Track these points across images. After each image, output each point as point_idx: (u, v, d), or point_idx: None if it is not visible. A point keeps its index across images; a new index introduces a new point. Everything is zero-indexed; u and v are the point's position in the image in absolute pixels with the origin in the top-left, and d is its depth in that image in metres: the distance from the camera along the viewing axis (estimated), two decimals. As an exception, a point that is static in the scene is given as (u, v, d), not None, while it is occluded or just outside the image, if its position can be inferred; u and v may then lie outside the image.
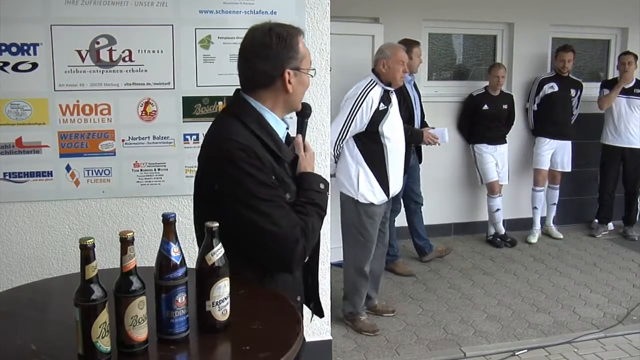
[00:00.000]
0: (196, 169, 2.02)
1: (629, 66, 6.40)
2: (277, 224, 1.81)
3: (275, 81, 1.91)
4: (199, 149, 2.03)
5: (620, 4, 6.79)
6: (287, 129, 2.04)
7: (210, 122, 3.09)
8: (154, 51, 3.12)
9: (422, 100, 5.49)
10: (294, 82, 1.93)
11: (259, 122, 1.91)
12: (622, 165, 6.66)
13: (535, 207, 6.62)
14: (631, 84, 6.49)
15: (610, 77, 7.09)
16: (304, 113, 2.09)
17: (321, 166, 3.41)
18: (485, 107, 6.20)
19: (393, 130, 4.05)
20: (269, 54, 1.89)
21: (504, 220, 6.43)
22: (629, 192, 6.75)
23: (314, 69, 2.02)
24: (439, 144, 5.26)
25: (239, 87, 1.99)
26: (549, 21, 6.73)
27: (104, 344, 1.47)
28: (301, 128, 2.10)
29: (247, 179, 1.80)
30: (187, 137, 3.21)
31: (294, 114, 2.09)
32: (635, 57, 6.45)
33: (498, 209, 6.30)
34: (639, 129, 6.55)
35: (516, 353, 4.05)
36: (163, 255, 1.59)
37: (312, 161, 2.05)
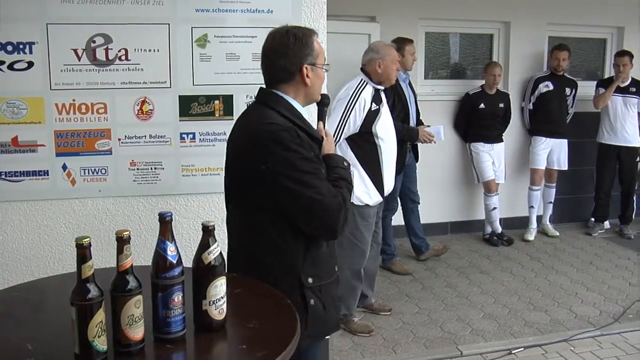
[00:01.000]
0: (224, 169, 2.22)
1: (624, 67, 6.41)
2: (322, 193, 2.01)
3: (295, 76, 2.14)
4: (228, 142, 2.24)
5: (617, 3, 6.80)
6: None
7: (207, 121, 3.16)
8: (150, 50, 3.11)
9: (418, 99, 5.49)
10: (312, 75, 2.16)
11: (289, 108, 2.13)
12: (618, 164, 6.67)
13: (532, 206, 6.63)
14: (627, 83, 6.50)
15: (606, 75, 7.11)
16: (323, 102, 2.34)
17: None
18: (482, 105, 6.21)
19: (386, 130, 4.03)
20: (288, 52, 2.12)
21: (500, 219, 6.45)
22: (625, 190, 6.76)
23: (328, 64, 2.26)
24: (434, 142, 5.26)
25: (262, 86, 2.23)
26: (545, 20, 6.74)
27: (101, 343, 1.47)
28: (321, 116, 2.36)
29: (293, 155, 2.00)
30: (183, 135, 3.20)
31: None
32: (631, 56, 6.46)
33: (495, 208, 6.32)
34: (635, 128, 6.58)
35: (513, 351, 4.05)
36: (159, 254, 1.59)
37: (332, 145, 2.31)
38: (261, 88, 2.23)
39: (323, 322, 2.17)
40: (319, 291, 2.14)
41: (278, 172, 2.00)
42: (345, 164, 2.24)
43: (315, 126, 2.26)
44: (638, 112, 6.57)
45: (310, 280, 2.11)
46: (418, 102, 5.47)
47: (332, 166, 2.17)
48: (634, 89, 6.52)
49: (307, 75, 2.14)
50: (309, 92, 2.20)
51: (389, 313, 4.61)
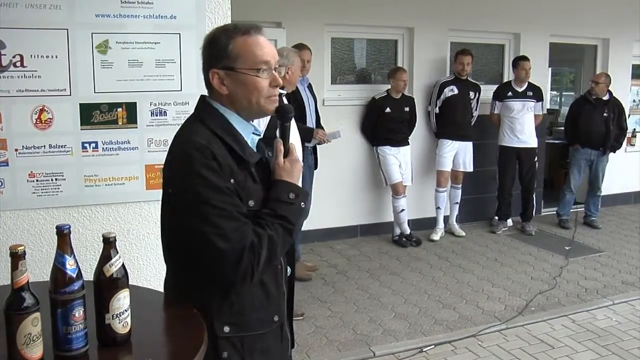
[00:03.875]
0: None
1: (529, 70, 6.75)
2: (224, 236, 1.63)
3: (211, 83, 1.78)
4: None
5: (512, 11, 7.12)
6: (258, 135, 1.91)
7: (110, 130, 3.07)
8: (48, 56, 2.99)
9: (325, 104, 5.55)
10: (229, 82, 1.76)
11: (221, 123, 1.77)
12: (518, 165, 6.96)
13: (439, 207, 6.82)
14: (524, 87, 6.82)
15: (505, 79, 7.41)
16: (283, 117, 1.92)
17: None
18: (388, 109, 6.33)
19: (291, 135, 4.04)
20: (203, 56, 1.81)
21: (408, 220, 6.58)
22: (525, 189, 7.07)
23: (266, 69, 1.77)
24: (328, 141, 5.28)
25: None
26: (448, 26, 6.96)
27: (-5, 365, 1.40)
28: (282, 132, 1.93)
29: (199, 182, 1.64)
30: (85, 145, 3.10)
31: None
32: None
33: (403, 210, 6.44)
34: (532, 130, 6.89)
35: (424, 349, 4.15)
36: (58, 269, 1.53)
37: (293, 168, 1.88)
38: (201, 96, 1.87)
39: None
40: (240, 343, 1.78)
41: (179, 199, 1.70)
42: (292, 195, 1.80)
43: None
44: (535, 115, 6.91)
45: (226, 329, 1.76)
46: (325, 107, 5.52)
47: (271, 199, 1.77)
48: (530, 93, 6.85)
49: (221, 82, 1.76)
50: (237, 103, 1.78)
51: (302, 318, 4.62)
